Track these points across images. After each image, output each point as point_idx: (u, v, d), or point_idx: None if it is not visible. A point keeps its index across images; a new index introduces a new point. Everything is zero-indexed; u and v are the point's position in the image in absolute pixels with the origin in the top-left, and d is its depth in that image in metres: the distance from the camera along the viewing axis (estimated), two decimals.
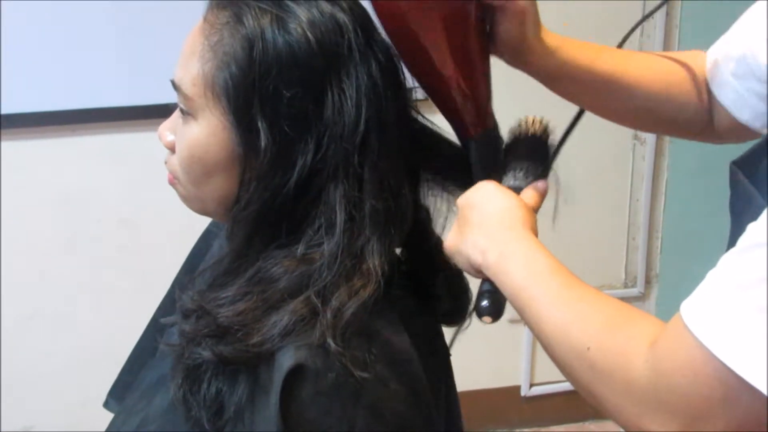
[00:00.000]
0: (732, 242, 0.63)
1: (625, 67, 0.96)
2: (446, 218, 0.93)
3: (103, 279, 2.13)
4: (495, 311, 0.84)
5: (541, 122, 0.93)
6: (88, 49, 1.93)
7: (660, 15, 2.13)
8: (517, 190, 0.89)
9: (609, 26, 2.14)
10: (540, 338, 0.75)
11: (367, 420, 0.75)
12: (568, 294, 0.74)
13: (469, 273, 0.86)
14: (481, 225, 0.83)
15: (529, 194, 0.89)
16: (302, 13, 0.77)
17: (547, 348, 0.75)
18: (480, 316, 0.85)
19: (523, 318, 0.77)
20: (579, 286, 0.75)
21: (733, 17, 0.90)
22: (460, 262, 0.85)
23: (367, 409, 0.75)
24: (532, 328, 0.76)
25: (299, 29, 0.76)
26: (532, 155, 0.92)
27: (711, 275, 0.63)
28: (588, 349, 0.70)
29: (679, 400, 0.62)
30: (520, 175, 0.91)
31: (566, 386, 2.50)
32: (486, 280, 0.84)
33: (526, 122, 0.93)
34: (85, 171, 2.05)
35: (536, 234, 0.82)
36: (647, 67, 0.98)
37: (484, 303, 0.84)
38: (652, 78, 0.96)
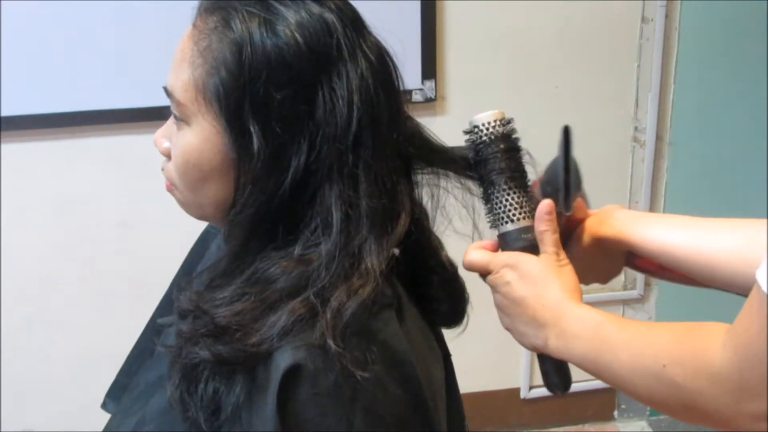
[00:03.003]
0: None
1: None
2: (442, 211, 0.93)
3: (102, 281, 2.13)
4: (565, 384, 0.91)
5: (499, 122, 0.88)
6: (87, 52, 1.93)
7: (659, 17, 2.13)
8: (527, 233, 0.89)
9: (609, 26, 2.15)
10: (621, 386, 0.78)
11: (364, 421, 0.75)
12: (628, 336, 0.77)
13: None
14: (525, 310, 0.86)
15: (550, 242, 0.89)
16: (290, 15, 0.77)
17: (629, 390, 0.76)
18: (553, 391, 0.91)
19: (599, 377, 0.80)
20: (635, 325, 0.78)
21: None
22: (519, 341, 0.90)
23: (364, 411, 0.75)
24: (610, 383, 0.79)
25: (287, 31, 0.76)
26: (516, 177, 0.89)
27: None
28: (664, 366, 0.70)
29: (765, 369, 0.61)
30: (525, 209, 0.89)
31: None
32: (545, 357, 0.89)
33: (486, 128, 0.88)
34: (85, 173, 2.05)
35: (577, 288, 0.86)
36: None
37: (555, 380, 0.91)
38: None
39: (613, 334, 0.78)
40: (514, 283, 0.86)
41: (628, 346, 0.75)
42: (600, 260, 0.95)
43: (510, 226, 0.89)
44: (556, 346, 0.83)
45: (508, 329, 0.90)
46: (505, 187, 0.88)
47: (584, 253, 0.94)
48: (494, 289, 0.89)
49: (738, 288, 0.85)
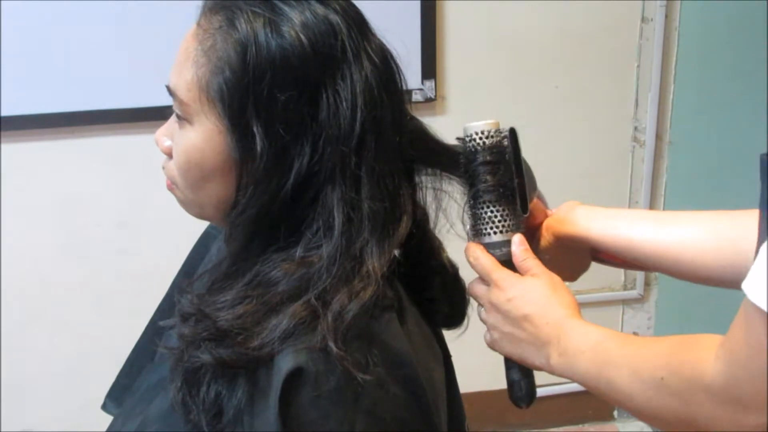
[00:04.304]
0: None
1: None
2: (443, 213, 0.93)
3: (101, 282, 2.13)
4: (530, 398, 0.92)
5: (491, 133, 0.88)
6: (87, 52, 1.92)
7: (659, 17, 2.13)
8: (504, 246, 0.89)
9: (609, 26, 2.15)
10: (622, 401, 0.77)
11: (366, 423, 0.75)
12: (628, 350, 0.76)
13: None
14: (527, 329, 0.85)
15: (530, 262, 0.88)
16: (295, 16, 0.77)
17: (630, 405, 0.76)
18: (518, 404, 0.92)
19: (601, 393, 0.80)
20: (635, 340, 0.77)
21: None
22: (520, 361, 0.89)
23: (366, 413, 0.75)
24: (611, 399, 0.78)
25: (292, 32, 0.76)
26: (499, 184, 0.88)
27: (763, 249, 0.60)
28: (662, 378, 0.70)
29: (761, 382, 0.61)
30: (499, 224, 0.89)
31: (565, 388, 2.49)
32: (514, 367, 0.90)
33: (478, 135, 0.88)
34: (85, 173, 2.05)
35: (575, 304, 0.85)
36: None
37: (519, 393, 0.91)
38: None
39: (615, 350, 0.78)
40: (517, 300, 0.85)
41: (629, 360, 0.75)
42: (566, 258, 0.95)
43: (483, 240, 0.89)
44: (558, 363, 0.82)
45: (505, 352, 0.89)
46: (480, 201, 0.88)
47: (549, 254, 0.94)
48: (495, 307, 0.88)
49: (702, 279, 0.86)
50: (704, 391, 0.66)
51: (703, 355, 0.66)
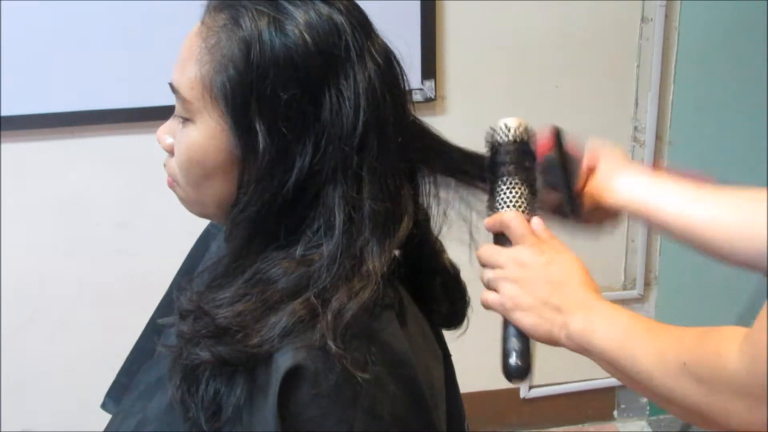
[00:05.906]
0: None
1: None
2: (444, 215, 0.93)
3: (101, 281, 2.13)
4: (527, 371, 0.87)
5: (519, 128, 0.93)
6: (88, 51, 1.93)
7: (659, 17, 2.14)
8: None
9: (609, 26, 2.15)
10: (638, 381, 0.77)
11: (365, 422, 0.75)
12: (655, 332, 0.76)
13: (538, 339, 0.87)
14: (556, 293, 0.85)
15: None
16: (299, 15, 0.77)
17: (647, 387, 0.76)
18: (510, 377, 0.87)
19: (616, 370, 0.79)
20: (663, 325, 0.77)
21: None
22: (529, 330, 0.86)
23: (364, 411, 0.75)
24: (627, 378, 0.78)
25: (296, 31, 0.76)
26: (519, 170, 0.92)
27: None
28: (684, 363, 0.70)
29: None
30: (520, 204, 0.91)
31: (565, 388, 2.48)
32: (516, 335, 0.87)
33: (504, 129, 0.93)
34: (85, 173, 2.05)
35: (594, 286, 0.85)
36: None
37: (516, 364, 0.86)
38: None
39: (641, 329, 0.77)
40: (556, 265, 0.85)
41: (654, 340, 0.75)
42: (603, 218, 0.99)
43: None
44: (578, 329, 0.81)
45: (516, 311, 0.86)
46: (517, 180, 0.91)
47: (587, 216, 0.97)
48: (526, 266, 0.86)
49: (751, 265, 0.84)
50: (725, 382, 0.66)
51: (726, 346, 0.66)
